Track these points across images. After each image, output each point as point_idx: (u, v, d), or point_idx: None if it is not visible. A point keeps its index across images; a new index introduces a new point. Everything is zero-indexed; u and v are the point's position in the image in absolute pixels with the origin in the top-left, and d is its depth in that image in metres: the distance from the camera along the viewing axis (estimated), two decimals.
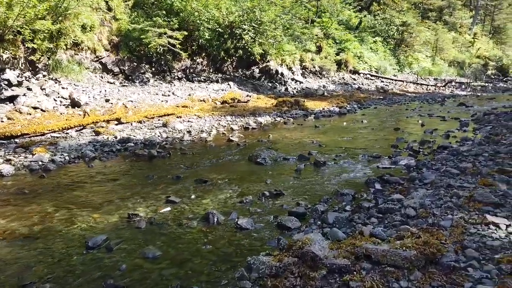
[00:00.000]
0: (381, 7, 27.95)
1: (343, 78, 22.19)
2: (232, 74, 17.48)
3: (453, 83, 25.55)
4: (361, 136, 8.46)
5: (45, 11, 10.31)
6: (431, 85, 24.21)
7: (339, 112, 13.01)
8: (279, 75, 18.40)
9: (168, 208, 3.96)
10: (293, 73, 19.84)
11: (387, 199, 4.04)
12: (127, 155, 6.29)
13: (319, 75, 21.34)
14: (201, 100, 13.44)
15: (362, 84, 22.02)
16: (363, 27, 25.32)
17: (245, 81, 17.34)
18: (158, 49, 13.97)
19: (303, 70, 20.77)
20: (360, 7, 25.89)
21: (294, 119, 11.52)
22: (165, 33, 13.49)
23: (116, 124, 9.33)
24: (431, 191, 4.23)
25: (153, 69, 14.75)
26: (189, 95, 13.83)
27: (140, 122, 9.89)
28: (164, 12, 14.55)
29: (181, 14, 14.88)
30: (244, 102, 13.93)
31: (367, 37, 25.21)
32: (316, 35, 20.95)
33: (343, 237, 3.11)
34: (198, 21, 14.74)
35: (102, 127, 8.63)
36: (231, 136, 7.93)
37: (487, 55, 33.34)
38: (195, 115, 11.22)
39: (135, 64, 14.12)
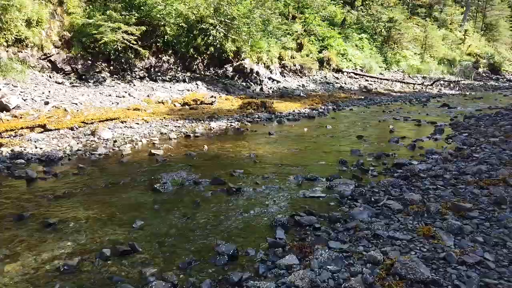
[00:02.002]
0: (366, 2, 26.42)
1: (325, 77, 20.79)
2: (202, 73, 16.11)
3: (441, 82, 24.14)
4: (313, 146, 7.12)
5: None
6: (418, 84, 22.82)
7: (308, 115, 11.66)
8: (254, 74, 17.01)
9: None
10: (271, 72, 18.44)
11: (274, 265, 2.71)
12: (3, 177, 4.95)
13: (299, 74, 19.94)
14: (159, 102, 12.10)
15: (345, 83, 20.64)
16: (348, 23, 23.84)
17: (216, 80, 15.97)
18: (115, 46, 12.62)
19: (282, 69, 19.37)
20: (342, 1, 24.37)
21: (253, 123, 10.18)
22: (119, 28, 12.11)
23: (41, 132, 7.98)
24: (346, 247, 2.89)
25: (111, 67, 13.38)
26: (148, 96, 12.48)
27: (71, 129, 8.55)
28: (122, 5, 13.14)
29: (142, 8, 13.47)
30: (208, 103, 12.58)
31: (352, 34, 23.75)
32: (296, 32, 19.52)
33: None
34: (159, 16, 13.33)
35: (15, 136, 7.30)
36: (155, 148, 6.59)
37: (479, 53, 31.82)
38: (143, 119, 9.89)
39: (90, 62, 12.76)
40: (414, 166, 5.25)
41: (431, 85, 22.68)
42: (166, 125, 9.33)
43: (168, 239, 3.23)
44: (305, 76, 20.11)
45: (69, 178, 4.92)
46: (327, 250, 2.76)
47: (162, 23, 13.74)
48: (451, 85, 23.96)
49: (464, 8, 35.03)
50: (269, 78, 17.83)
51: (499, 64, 32.30)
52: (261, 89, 16.46)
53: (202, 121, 10.16)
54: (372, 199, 4.04)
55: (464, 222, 3.33)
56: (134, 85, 13.22)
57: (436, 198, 3.97)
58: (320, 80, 20.22)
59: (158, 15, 13.40)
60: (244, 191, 4.45)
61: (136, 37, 12.59)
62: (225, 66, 16.76)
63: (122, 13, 12.78)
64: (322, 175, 5.09)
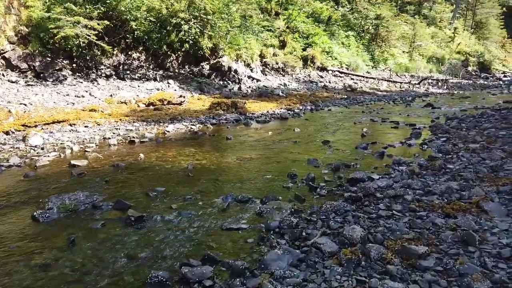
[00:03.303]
0: None
1: (309, 75, 19.76)
2: (176, 71, 15.04)
3: (429, 81, 23.16)
4: (269, 154, 6.10)
5: None
6: (405, 83, 21.82)
7: (281, 117, 10.64)
8: (232, 73, 15.95)
9: None
10: (251, 70, 17.38)
11: None
12: None
13: (282, 73, 18.89)
14: (122, 102, 11.05)
15: (329, 82, 19.61)
16: (334, 20, 22.77)
17: (191, 79, 14.91)
18: (78, 42, 11.55)
19: (264, 67, 18.32)
20: None
21: (218, 126, 9.17)
22: (78, 22, 11.01)
23: None
24: None
25: (74, 65, 12.30)
26: (111, 95, 11.42)
27: (7, 133, 7.49)
28: None
29: (108, 1, 12.36)
30: (176, 104, 11.52)
31: (338, 31, 22.69)
32: (278, 28, 18.45)
33: None
34: (124, 9, 12.24)
35: None
36: (81, 158, 5.56)
37: (468, 51, 30.81)
38: (95, 121, 8.85)
39: (49, 59, 11.66)
40: (371, 183, 4.23)
41: (418, 83, 21.70)
42: (117, 129, 8.30)
43: None
44: (288, 74, 19.08)
45: None
46: None
47: (131, 18, 12.64)
48: (439, 83, 22.98)
49: (454, 6, 33.98)
50: (249, 77, 16.77)
51: (488, 62, 31.34)
52: (239, 88, 15.41)
53: (161, 124, 9.14)
54: (303, 234, 3.03)
55: (411, 277, 2.32)
56: (98, 84, 12.15)
57: (385, 234, 2.96)
58: (303, 79, 19.18)
59: (125, 9, 12.29)
60: (148, 220, 3.43)
61: (97, 32, 11.51)
62: (201, 64, 15.70)
63: (86, 6, 11.70)
64: (258, 194, 4.08)
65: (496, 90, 22.00)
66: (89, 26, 11.15)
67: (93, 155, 5.71)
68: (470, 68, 29.97)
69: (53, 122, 8.52)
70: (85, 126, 8.38)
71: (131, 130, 8.24)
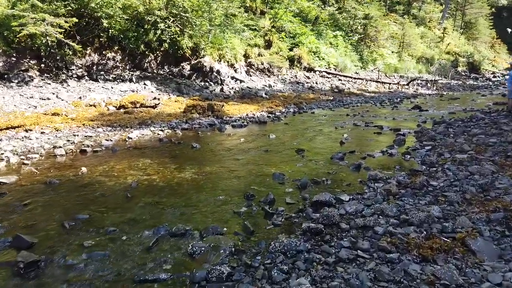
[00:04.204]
0: None
1: (295, 76, 19.00)
2: (155, 71, 14.20)
3: (418, 81, 22.51)
4: (232, 167, 5.33)
5: None
6: (394, 84, 21.14)
7: (259, 121, 9.86)
8: (214, 73, 15.14)
9: None
10: (235, 70, 16.58)
11: None
12: None
13: (267, 73, 18.11)
14: (90, 105, 10.21)
15: (316, 83, 18.87)
16: (322, 20, 22.02)
17: (170, 80, 14.08)
18: (46, 41, 10.69)
19: (248, 67, 17.52)
20: None
21: (189, 131, 8.38)
22: (44, 20, 10.14)
23: None
24: None
25: (43, 65, 11.41)
26: (80, 98, 10.58)
27: None
28: None
29: None
30: (149, 106, 10.69)
31: (326, 31, 21.94)
32: (263, 28, 17.66)
33: None
34: (95, 6, 11.38)
35: None
36: (10, 173, 4.74)
37: (458, 51, 30.23)
38: (55, 127, 8.00)
39: (14, 59, 10.76)
40: (336, 210, 3.47)
41: (407, 84, 21.03)
42: (75, 135, 7.47)
43: None
44: (274, 75, 18.30)
45: None
46: None
47: (103, 15, 11.78)
48: (428, 84, 22.35)
49: (443, 6, 33.36)
50: (232, 78, 15.97)
51: (478, 63, 30.79)
52: (222, 89, 14.60)
53: (126, 129, 8.32)
54: None
55: None
56: (68, 85, 11.28)
57: None
58: (289, 79, 18.42)
59: (96, 6, 11.43)
60: (45, 266, 2.63)
61: (65, 30, 10.65)
62: (181, 64, 14.87)
63: (55, 3, 10.82)
64: (201, 224, 3.30)
65: (486, 90, 21.41)
66: (55, 24, 10.26)
67: (27, 169, 4.89)
68: (459, 69, 29.40)
69: (7, 128, 7.68)
70: (42, 133, 7.55)
71: (90, 136, 7.42)
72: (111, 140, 7.03)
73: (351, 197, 3.93)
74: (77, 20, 10.84)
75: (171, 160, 5.67)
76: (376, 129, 8.62)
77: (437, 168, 5.13)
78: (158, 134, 7.88)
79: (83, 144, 6.60)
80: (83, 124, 8.39)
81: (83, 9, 11.82)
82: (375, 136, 7.93)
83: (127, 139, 7.22)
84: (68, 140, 6.91)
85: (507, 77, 12.01)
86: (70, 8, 11.25)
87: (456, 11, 34.62)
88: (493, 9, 36.15)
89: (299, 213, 3.56)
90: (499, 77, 29.19)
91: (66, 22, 10.57)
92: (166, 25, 12.81)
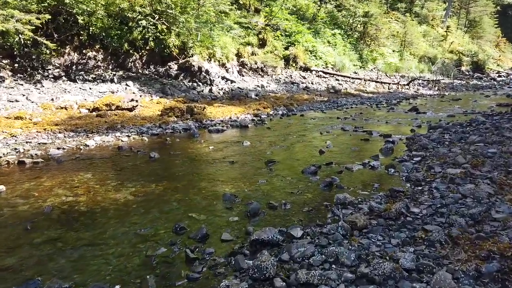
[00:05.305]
0: None
1: (290, 76, 18.07)
2: (140, 71, 13.39)
3: (419, 81, 21.41)
4: (183, 184, 4.47)
5: None
6: (394, 84, 20.09)
7: (241, 125, 8.98)
8: (203, 73, 14.27)
9: None
10: (226, 70, 15.71)
11: None
12: None
13: (261, 73, 17.21)
14: (62, 108, 9.43)
15: (312, 83, 17.92)
16: (320, 18, 21.01)
17: (155, 80, 13.26)
18: (18, 39, 9.93)
19: (241, 67, 16.64)
20: None
21: (159, 137, 7.54)
22: (12, 16, 9.36)
23: None
24: None
25: (16, 65, 10.65)
26: (52, 100, 9.80)
27: None
28: None
29: None
30: (126, 109, 9.86)
31: (324, 29, 20.94)
32: (256, 25, 16.74)
33: None
34: (70, 2, 10.57)
35: None
36: None
37: (461, 50, 28.96)
38: (11, 133, 7.21)
39: None
40: (280, 252, 2.59)
41: (407, 84, 19.97)
42: (28, 142, 6.67)
43: None
44: (268, 75, 17.39)
45: None
46: None
47: (78, 12, 10.97)
48: (430, 84, 21.24)
49: (447, 4, 32.06)
50: (223, 78, 15.09)
51: (482, 62, 29.49)
52: (210, 90, 13.75)
53: (91, 134, 7.50)
54: None
55: None
56: (43, 86, 10.51)
57: None
58: (284, 79, 17.50)
59: (70, 2, 10.62)
60: None
61: (38, 28, 9.89)
62: (168, 64, 14.05)
63: None
64: (89, 278, 2.43)
65: (490, 91, 20.26)
66: (24, 21, 9.48)
67: None
68: (463, 68, 28.16)
69: None
70: None
71: (44, 144, 6.60)
72: (63, 149, 6.21)
73: (305, 231, 3.04)
74: (50, 17, 10.07)
75: (115, 175, 4.82)
76: (364, 135, 7.69)
77: (423, 187, 4.22)
78: (123, 141, 7.04)
79: (26, 154, 5.77)
80: (44, 129, 7.59)
81: (60, 5, 11.02)
82: (361, 143, 7.00)
83: (82, 148, 6.38)
84: (15, 149, 6.10)
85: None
86: (45, 4, 10.46)
87: (460, 9, 33.27)
88: (498, 7, 34.72)
89: (230, 257, 2.67)
90: (504, 76, 27.90)
91: (38, 19, 9.78)
92: (151, 23, 11.97)
